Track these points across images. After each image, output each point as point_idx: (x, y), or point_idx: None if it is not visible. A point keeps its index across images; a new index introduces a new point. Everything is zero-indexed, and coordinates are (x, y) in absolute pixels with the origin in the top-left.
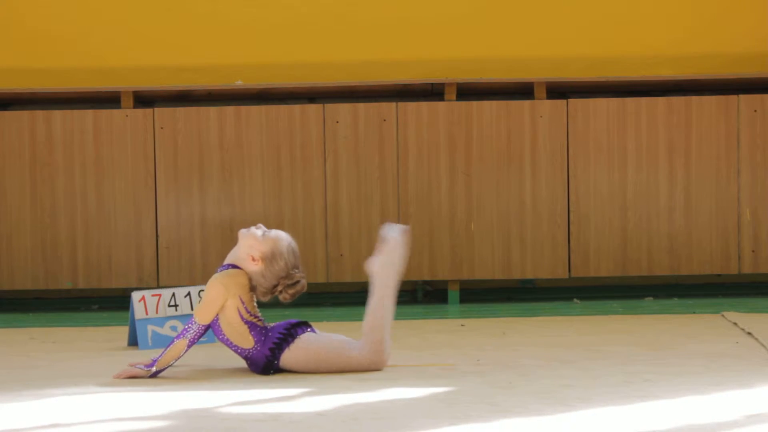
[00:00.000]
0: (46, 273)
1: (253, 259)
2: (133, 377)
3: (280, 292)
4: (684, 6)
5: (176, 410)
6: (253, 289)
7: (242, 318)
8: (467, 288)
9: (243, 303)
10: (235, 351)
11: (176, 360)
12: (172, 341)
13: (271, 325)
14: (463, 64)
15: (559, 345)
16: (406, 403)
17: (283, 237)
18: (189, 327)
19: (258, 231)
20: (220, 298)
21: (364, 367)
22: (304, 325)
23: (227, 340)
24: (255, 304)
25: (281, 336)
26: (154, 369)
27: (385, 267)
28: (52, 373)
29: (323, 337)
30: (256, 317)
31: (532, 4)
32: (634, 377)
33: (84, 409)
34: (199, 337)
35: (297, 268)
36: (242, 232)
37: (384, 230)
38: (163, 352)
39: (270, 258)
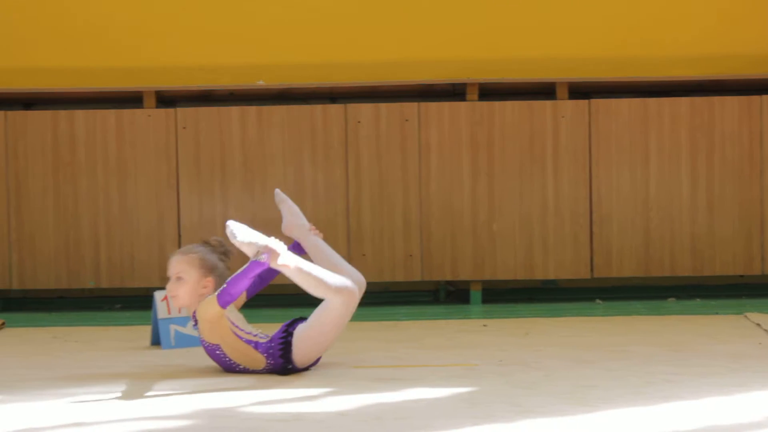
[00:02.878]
0: (69, 272)
1: (204, 288)
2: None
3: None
4: (706, 6)
5: (199, 410)
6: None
7: (242, 339)
8: (489, 288)
9: (233, 323)
10: (258, 374)
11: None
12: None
13: (272, 336)
14: (485, 64)
15: (581, 345)
16: (429, 403)
17: (184, 251)
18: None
19: (170, 284)
20: (214, 313)
21: (351, 298)
22: (298, 321)
23: (243, 368)
24: (246, 323)
25: (283, 342)
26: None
27: (297, 225)
28: (75, 372)
29: (312, 318)
30: (253, 335)
31: (554, 4)
32: (657, 378)
33: (107, 408)
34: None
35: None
36: (169, 294)
37: (277, 198)
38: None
39: (204, 269)
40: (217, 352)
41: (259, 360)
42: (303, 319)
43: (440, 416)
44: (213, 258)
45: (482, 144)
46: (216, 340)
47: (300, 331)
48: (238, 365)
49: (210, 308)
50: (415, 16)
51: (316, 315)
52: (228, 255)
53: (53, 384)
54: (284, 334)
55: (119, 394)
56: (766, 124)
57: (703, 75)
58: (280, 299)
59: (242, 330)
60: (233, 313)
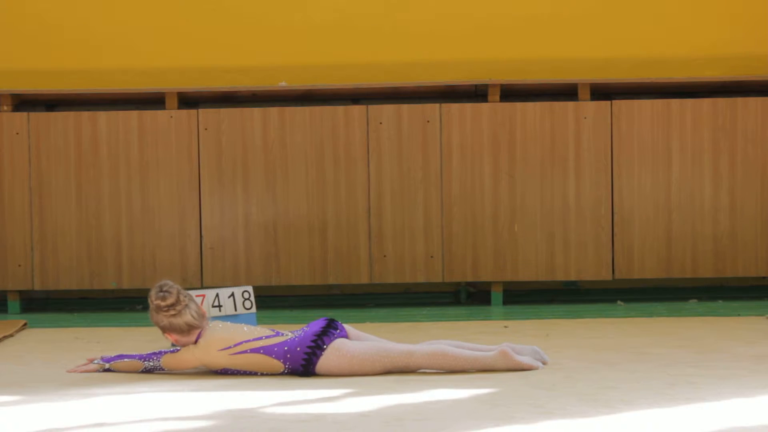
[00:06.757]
0: (92, 273)
1: (171, 336)
2: (86, 372)
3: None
4: (728, 7)
5: (220, 410)
6: (193, 330)
7: (247, 351)
8: (510, 289)
9: (232, 346)
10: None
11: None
12: (132, 357)
13: (296, 334)
14: (506, 65)
15: (602, 347)
16: (449, 404)
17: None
18: (154, 358)
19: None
20: (192, 362)
21: (419, 366)
22: (331, 329)
23: (263, 374)
24: (246, 330)
25: (310, 349)
26: (107, 366)
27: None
28: (97, 373)
29: (358, 341)
30: (262, 338)
31: (575, 5)
32: (679, 379)
33: (128, 408)
34: (157, 371)
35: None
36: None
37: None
38: (120, 359)
39: (167, 326)
40: (231, 371)
41: (276, 366)
42: (333, 326)
43: (461, 417)
44: (155, 318)
45: (504, 145)
46: (218, 367)
47: (342, 348)
48: (256, 372)
49: (183, 362)
50: (437, 17)
51: (373, 347)
52: (159, 306)
53: (75, 384)
54: (312, 345)
55: (141, 395)
56: None
57: (726, 76)
58: (292, 300)
59: (243, 343)
60: (222, 332)
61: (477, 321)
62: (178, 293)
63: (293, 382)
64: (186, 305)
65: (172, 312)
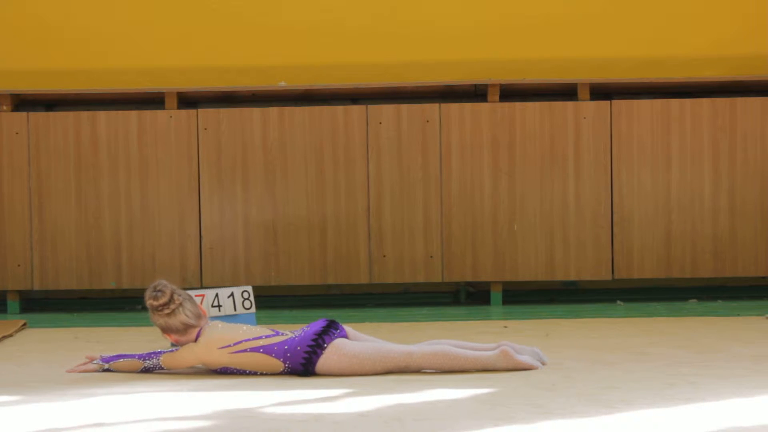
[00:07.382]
0: (91, 273)
1: (170, 336)
2: (85, 371)
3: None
4: (728, 7)
5: (219, 410)
6: (190, 328)
7: (250, 350)
8: (510, 289)
9: (232, 345)
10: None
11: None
12: (132, 357)
13: (296, 334)
14: (506, 65)
15: (602, 347)
16: (449, 404)
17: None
18: (153, 357)
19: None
20: (192, 360)
21: (419, 366)
22: (332, 329)
23: (262, 373)
24: (245, 329)
25: (310, 348)
26: (106, 366)
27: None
28: (97, 373)
29: (358, 341)
30: (262, 337)
31: (575, 5)
32: (678, 379)
33: (127, 408)
34: (157, 371)
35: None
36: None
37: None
38: (119, 359)
39: (164, 326)
40: (230, 370)
41: (276, 365)
42: (334, 327)
43: (460, 417)
44: (152, 318)
45: (503, 145)
46: (218, 365)
47: (342, 347)
48: (256, 372)
49: (183, 360)
50: (437, 17)
51: (373, 348)
52: (153, 306)
53: (74, 384)
54: (312, 344)
55: (140, 395)
56: None
57: (725, 76)
58: (293, 300)
59: (243, 342)
60: (222, 331)
61: (476, 321)
62: (172, 293)
63: (293, 382)
64: (180, 304)
65: (166, 311)
